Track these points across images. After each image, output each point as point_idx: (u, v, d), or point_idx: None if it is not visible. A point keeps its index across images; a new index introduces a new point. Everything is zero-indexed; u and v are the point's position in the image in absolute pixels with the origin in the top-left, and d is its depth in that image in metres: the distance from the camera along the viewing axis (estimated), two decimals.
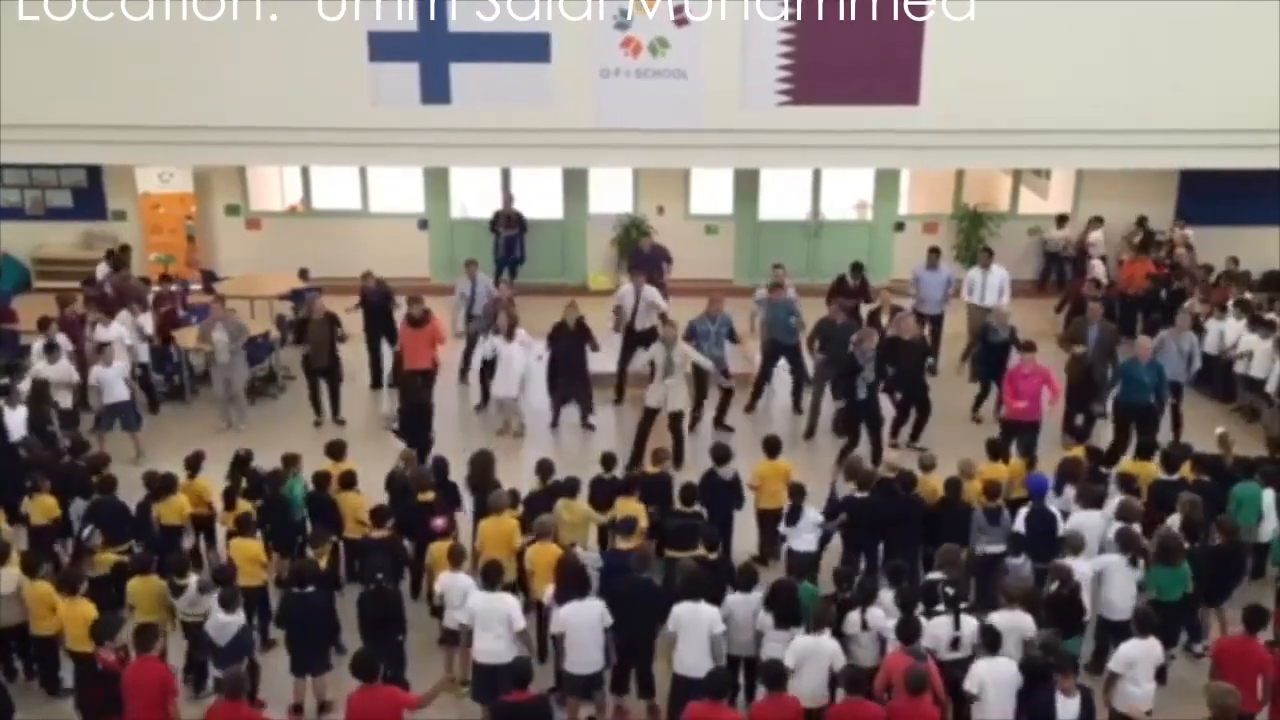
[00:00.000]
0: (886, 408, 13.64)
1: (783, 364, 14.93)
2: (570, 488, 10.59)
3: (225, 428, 14.18)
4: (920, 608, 8.84)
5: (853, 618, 8.97)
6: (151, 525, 10.70)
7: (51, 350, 13.44)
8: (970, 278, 15.97)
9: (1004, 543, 10.21)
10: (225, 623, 9.05)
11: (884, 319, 14.49)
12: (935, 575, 9.39)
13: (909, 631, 8.51)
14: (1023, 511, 10.35)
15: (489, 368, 14.43)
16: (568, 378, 14.32)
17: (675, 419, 13.29)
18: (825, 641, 8.64)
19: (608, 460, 11.14)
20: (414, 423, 12.66)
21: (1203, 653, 9.99)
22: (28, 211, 19.07)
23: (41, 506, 10.77)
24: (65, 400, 13.43)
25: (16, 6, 15.11)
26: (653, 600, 9.12)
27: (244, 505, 10.65)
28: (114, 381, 13.37)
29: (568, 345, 14.16)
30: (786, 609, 8.94)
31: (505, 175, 19.15)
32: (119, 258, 16.88)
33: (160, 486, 10.77)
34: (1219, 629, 10.12)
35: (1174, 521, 10.16)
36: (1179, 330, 13.79)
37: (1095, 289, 15.69)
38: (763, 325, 14.97)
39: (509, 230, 18.33)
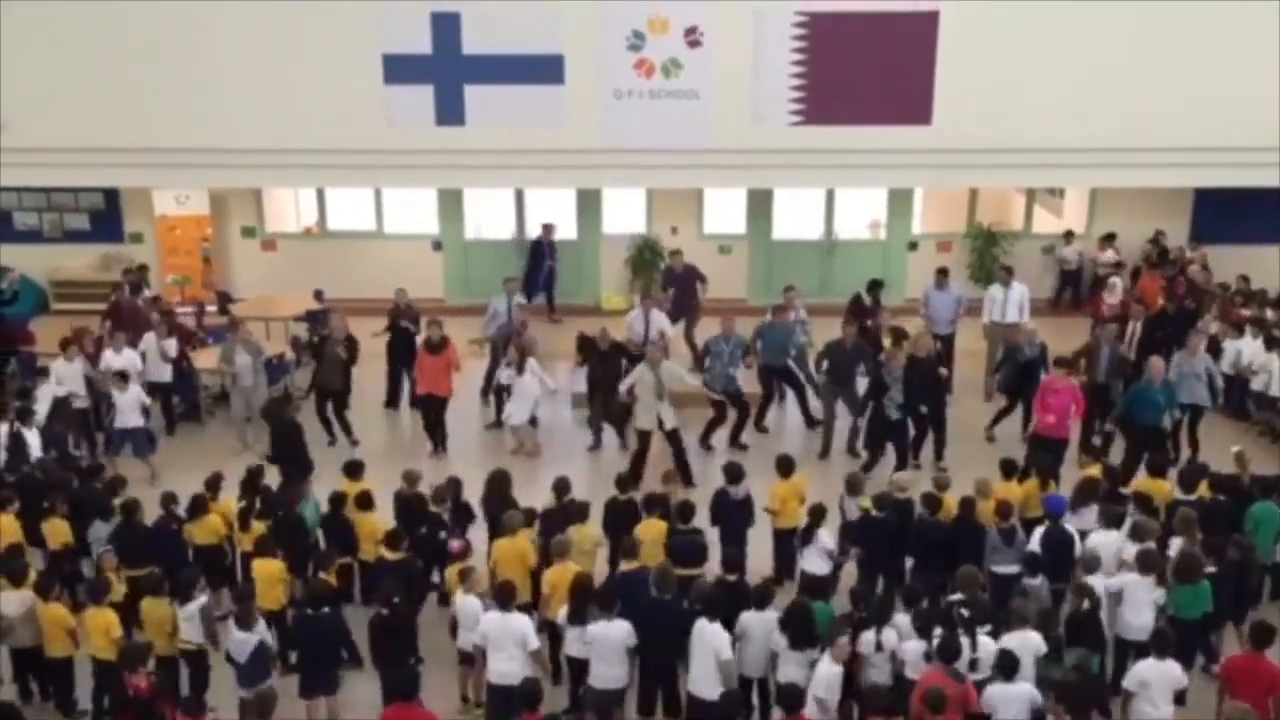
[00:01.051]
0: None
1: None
2: (580, 511, 10.58)
3: (242, 449, 14.19)
4: (938, 631, 8.79)
5: (867, 638, 8.93)
6: (180, 546, 10.70)
7: (42, 373, 13.55)
8: (991, 295, 15.97)
9: (1018, 563, 10.16)
10: (243, 639, 9.06)
11: (885, 341, 14.47)
12: (954, 597, 9.34)
13: (949, 652, 8.44)
14: (1038, 531, 10.31)
15: (503, 391, 14.51)
16: (606, 397, 14.34)
17: (673, 437, 13.30)
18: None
19: (623, 482, 11.14)
20: (283, 446, 12.35)
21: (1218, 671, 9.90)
22: (45, 234, 19.22)
23: (54, 530, 10.80)
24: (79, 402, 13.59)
25: (32, 25, 15.27)
26: (673, 620, 9.08)
27: (259, 526, 10.68)
28: (129, 408, 13.43)
29: (604, 366, 14.22)
30: (801, 630, 8.90)
31: (519, 196, 19.21)
32: (139, 276, 16.99)
33: (192, 507, 10.81)
34: (1239, 647, 10.02)
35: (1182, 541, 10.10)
36: (1192, 353, 13.75)
37: (1128, 306, 15.68)
38: (753, 344, 14.93)
39: (551, 259, 18.31)
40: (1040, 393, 13.02)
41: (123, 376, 13.54)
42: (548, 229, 18.31)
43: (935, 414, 13.72)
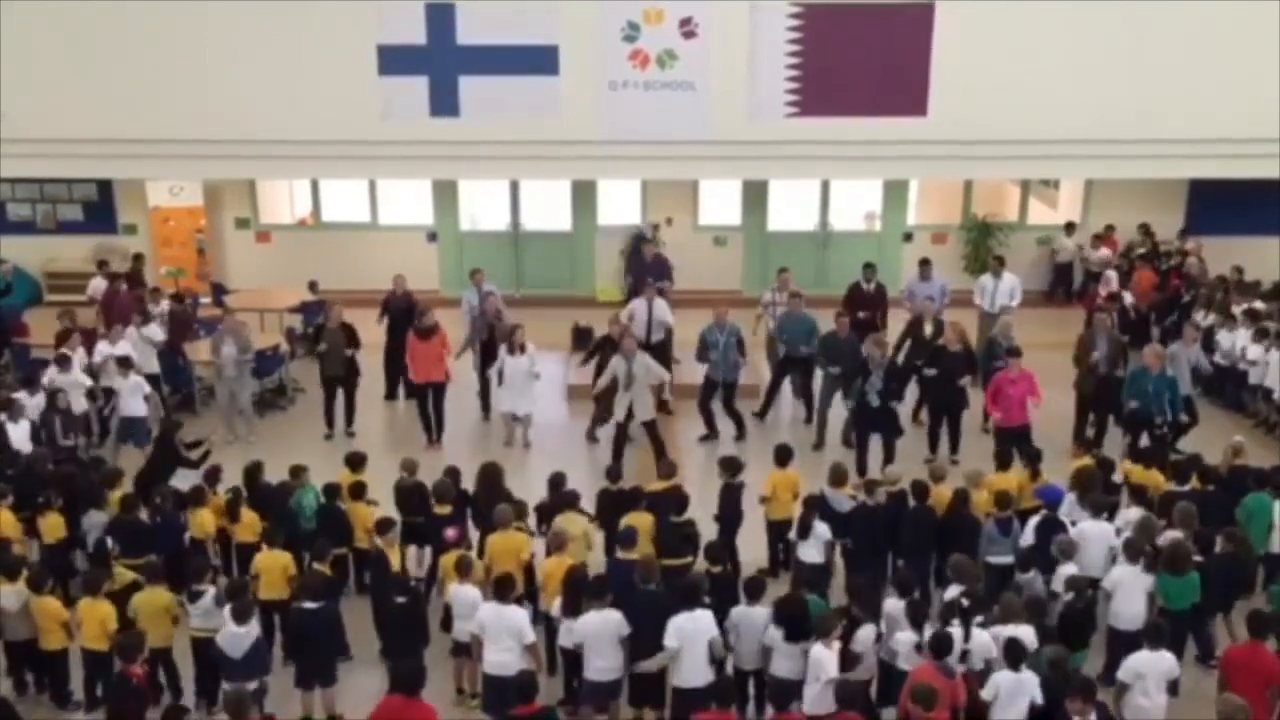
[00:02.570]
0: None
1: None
2: (570, 500, 10.58)
3: (232, 440, 14.17)
4: (931, 620, 8.80)
5: (862, 634, 8.90)
6: (179, 536, 10.64)
7: (63, 361, 13.50)
8: (981, 284, 15.99)
9: (1013, 554, 10.16)
10: (238, 634, 9.02)
11: (927, 328, 14.43)
12: (954, 589, 9.31)
13: (942, 646, 8.40)
14: (1033, 521, 10.32)
15: (489, 384, 14.48)
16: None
17: (649, 428, 13.34)
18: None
19: (612, 473, 11.17)
20: (155, 466, 11.98)
21: (1216, 665, 9.91)
22: (39, 225, 19.18)
23: (49, 525, 10.76)
24: (80, 405, 13.41)
25: (30, 19, 15.26)
26: (659, 611, 9.07)
27: (248, 516, 10.68)
28: (130, 396, 13.40)
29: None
30: (795, 623, 8.89)
31: (514, 188, 19.21)
32: (136, 268, 16.95)
33: (189, 498, 10.79)
34: (1230, 639, 10.04)
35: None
36: (1188, 343, 13.78)
37: (1111, 301, 15.73)
38: (770, 334, 14.89)
39: None
40: (995, 384, 13.04)
41: (123, 363, 13.51)
42: (656, 227, 18.20)
43: (952, 412, 13.68)
